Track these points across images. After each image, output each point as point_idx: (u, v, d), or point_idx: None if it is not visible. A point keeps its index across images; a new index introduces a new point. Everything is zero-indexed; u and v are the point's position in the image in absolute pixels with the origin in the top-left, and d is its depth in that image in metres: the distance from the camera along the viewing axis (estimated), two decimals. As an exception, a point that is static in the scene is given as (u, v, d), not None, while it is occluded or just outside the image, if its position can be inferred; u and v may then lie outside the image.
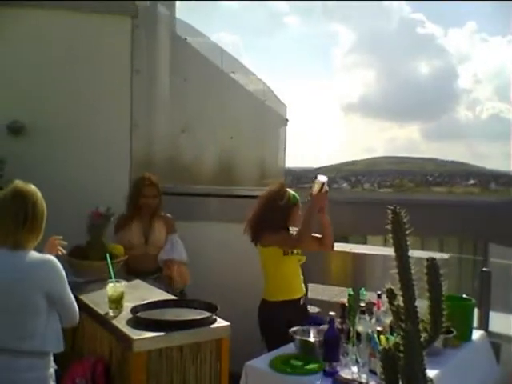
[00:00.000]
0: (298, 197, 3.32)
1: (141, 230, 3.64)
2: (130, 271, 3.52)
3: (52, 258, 2.24)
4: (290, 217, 3.29)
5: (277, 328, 2.92)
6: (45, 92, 4.34)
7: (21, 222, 2.18)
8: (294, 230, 3.32)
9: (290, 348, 2.75)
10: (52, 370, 2.24)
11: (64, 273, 2.25)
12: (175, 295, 3.38)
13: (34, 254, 2.21)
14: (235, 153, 6.95)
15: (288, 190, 3.31)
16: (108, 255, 2.81)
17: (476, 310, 3.27)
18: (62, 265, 2.30)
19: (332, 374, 2.40)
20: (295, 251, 3.29)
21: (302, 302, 3.31)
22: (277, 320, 3.11)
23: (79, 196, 4.00)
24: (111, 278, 2.65)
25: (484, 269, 3.52)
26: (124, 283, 2.61)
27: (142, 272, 3.51)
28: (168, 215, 3.75)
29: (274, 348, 2.82)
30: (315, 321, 3.00)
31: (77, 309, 2.31)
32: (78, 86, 4.37)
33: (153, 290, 3.07)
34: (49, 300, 2.19)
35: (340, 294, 3.88)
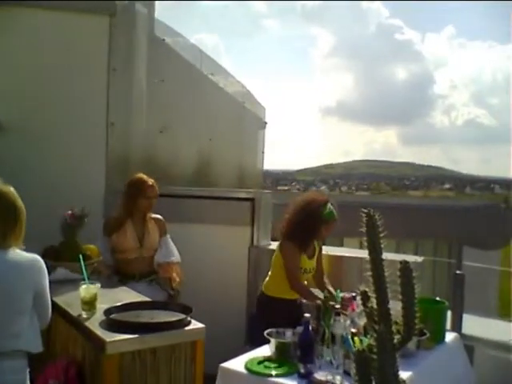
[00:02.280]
0: (333, 215, 3.35)
1: (135, 233, 3.55)
2: (124, 275, 3.49)
3: (38, 257, 2.28)
4: (314, 231, 3.37)
5: (272, 323, 2.92)
6: (20, 90, 4.28)
7: (12, 222, 2.22)
8: (317, 244, 3.50)
9: (265, 349, 2.75)
10: (27, 372, 2.23)
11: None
12: (172, 295, 3.45)
13: (22, 253, 2.23)
14: (213, 154, 6.93)
15: (329, 205, 3.34)
16: (81, 256, 2.76)
17: (449, 313, 3.32)
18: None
19: (307, 376, 2.41)
20: (308, 270, 3.43)
21: (298, 302, 3.40)
22: (273, 314, 3.22)
23: (54, 195, 3.95)
24: (84, 279, 2.61)
25: (457, 271, 3.56)
26: (98, 285, 2.58)
27: (135, 275, 3.48)
28: (159, 216, 3.67)
29: (260, 341, 2.82)
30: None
31: (50, 309, 2.33)
32: (54, 84, 4.32)
33: (129, 292, 3.04)
34: (34, 298, 2.22)
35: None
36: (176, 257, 3.61)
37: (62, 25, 4.33)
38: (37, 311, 2.26)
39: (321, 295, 3.27)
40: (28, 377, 2.23)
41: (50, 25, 4.31)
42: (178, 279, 3.53)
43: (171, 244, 3.65)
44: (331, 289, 3.45)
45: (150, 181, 3.59)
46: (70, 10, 4.29)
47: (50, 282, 2.32)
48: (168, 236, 3.67)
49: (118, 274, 3.52)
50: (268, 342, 2.74)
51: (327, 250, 4.07)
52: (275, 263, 3.44)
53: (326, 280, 3.60)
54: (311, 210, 3.32)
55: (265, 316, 3.32)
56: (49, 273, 2.34)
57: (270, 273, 3.50)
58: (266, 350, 2.73)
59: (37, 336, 2.25)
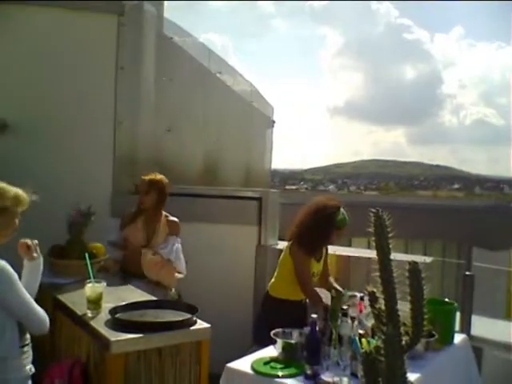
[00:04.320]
0: (346, 221, 3.32)
1: (144, 232, 3.55)
2: (127, 272, 3.48)
3: (2, 263, 2.06)
4: (327, 237, 3.35)
5: (277, 324, 2.90)
6: (29, 89, 4.28)
7: None
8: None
9: (271, 350, 2.72)
10: (18, 375, 2.13)
11: (15, 279, 2.08)
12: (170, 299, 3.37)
13: None
14: (221, 153, 6.92)
15: (341, 211, 3.31)
16: (87, 255, 2.75)
17: (458, 314, 3.28)
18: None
19: (313, 377, 2.38)
20: (316, 273, 3.40)
21: (303, 302, 3.40)
22: (279, 315, 3.19)
23: (61, 194, 3.94)
24: (90, 277, 2.60)
25: (467, 273, 3.52)
26: (103, 284, 2.56)
27: (138, 274, 3.45)
28: (174, 219, 3.63)
29: (265, 341, 2.80)
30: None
31: (43, 316, 2.15)
32: (62, 83, 4.32)
33: (134, 291, 3.03)
34: (2, 308, 2.06)
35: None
36: (172, 257, 3.51)
37: (69, 24, 4.33)
38: (20, 322, 2.11)
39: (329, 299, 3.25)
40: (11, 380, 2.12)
41: (57, 24, 4.31)
42: (159, 278, 3.44)
43: (172, 243, 3.56)
44: (338, 286, 3.42)
45: (148, 176, 3.57)
46: (77, 9, 4.29)
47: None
48: (174, 237, 3.59)
49: (122, 270, 3.52)
50: (274, 342, 2.72)
51: (335, 249, 4.04)
52: (283, 265, 3.40)
53: (331, 279, 3.56)
54: (324, 217, 3.27)
55: (270, 317, 3.30)
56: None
57: (276, 274, 3.47)
58: (272, 351, 2.71)
59: (8, 342, 2.08)
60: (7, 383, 2.10)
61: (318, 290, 3.39)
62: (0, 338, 2.07)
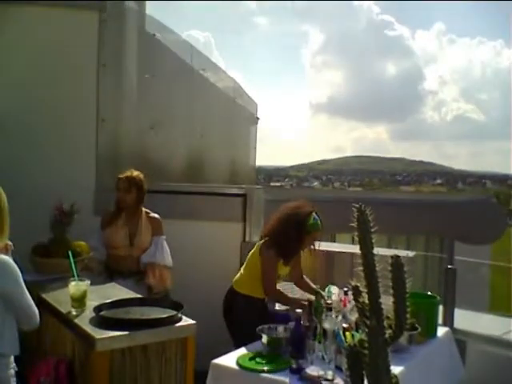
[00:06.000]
0: (317, 226, 3.27)
1: (126, 231, 3.50)
2: (112, 271, 3.46)
3: (5, 257, 2.13)
4: (298, 242, 3.30)
5: (239, 320, 2.91)
6: (9, 86, 4.23)
7: None
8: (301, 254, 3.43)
9: (256, 345, 2.74)
10: (12, 372, 2.19)
11: (19, 273, 2.15)
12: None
13: None
14: (205, 150, 6.91)
15: (313, 216, 3.25)
16: (70, 253, 2.73)
17: (441, 307, 3.32)
18: (21, 263, 2.23)
19: (298, 371, 2.40)
20: (281, 276, 3.38)
21: (266, 301, 3.36)
22: (243, 312, 3.21)
23: (43, 192, 3.90)
24: (74, 276, 2.59)
25: (449, 266, 3.56)
26: (87, 282, 2.55)
27: (124, 273, 3.44)
28: (156, 216, 3.59)
29: (237, 338, 2.80)
30: (284, 318, 3.00)
31: (36, 311, 2.22)
32: (43, 80, 4.28)
33: (120, 289, 3.01)
34: (4, 302, 2.11)
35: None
36: (161, 259, 3.51)
37: (50, 20, 4.28)
38: (15, 316, 2.17)
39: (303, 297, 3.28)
40: (13, 375, 2.19)
41: (38, 21, 4.27)
42: (156, 284, 3.42)
43: (163, 245, 3.55)
44: (312, 285, 3.42)
45: (124, 174, 3.53)
46: (58, 6, 4.25)
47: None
48: (162, 237, 3.57)
49: (107, 269, 3.50)
50: (247, 339, 2.74)
51: (319, 245, 4.06)
52: (252, 262, 3.35)
53: (306, 278, 3.55)
54: (295, 221, 3.24)
55: (234, 312, 3.30)
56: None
57: (242, 270, 3.42)
58: (257, 346, 2.73)
59: (14, 339, 2.17)
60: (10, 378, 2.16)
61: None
62: (2, 334, 2.12)
